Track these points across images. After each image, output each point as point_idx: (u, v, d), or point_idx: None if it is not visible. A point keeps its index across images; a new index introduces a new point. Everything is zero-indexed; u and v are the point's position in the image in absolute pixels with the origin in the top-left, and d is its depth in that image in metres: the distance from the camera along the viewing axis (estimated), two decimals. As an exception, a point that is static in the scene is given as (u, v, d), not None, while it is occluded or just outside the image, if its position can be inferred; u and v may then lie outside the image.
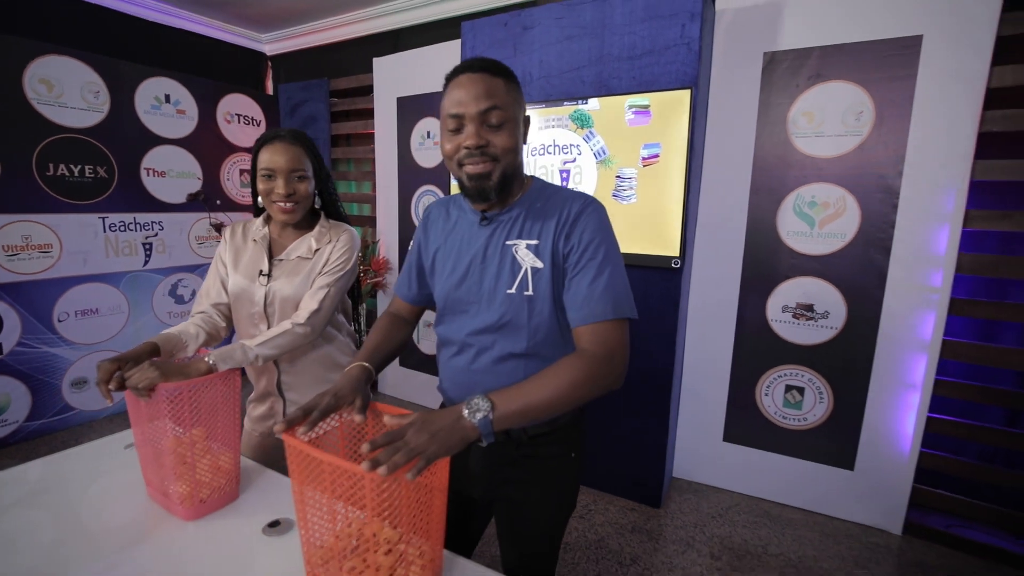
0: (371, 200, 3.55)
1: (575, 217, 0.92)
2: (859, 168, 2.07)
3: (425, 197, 3.21)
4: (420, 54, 3.08)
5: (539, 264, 0.93)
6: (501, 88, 0.91)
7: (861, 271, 2.11)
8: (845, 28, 2.02)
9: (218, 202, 3.56)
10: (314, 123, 3.69)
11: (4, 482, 1.18)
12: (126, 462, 1.30)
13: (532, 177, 1.04)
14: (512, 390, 0.82)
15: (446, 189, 3.09)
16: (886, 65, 1.97)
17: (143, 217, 3.17)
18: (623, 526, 2.21)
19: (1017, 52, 1.83)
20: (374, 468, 0.68)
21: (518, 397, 0.81)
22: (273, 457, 1.41)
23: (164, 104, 3.21)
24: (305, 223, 1.35)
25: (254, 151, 1.28)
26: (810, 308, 2.22)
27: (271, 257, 1.32)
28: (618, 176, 2.12)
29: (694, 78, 2.00)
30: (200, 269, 3.51)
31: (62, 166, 2.79)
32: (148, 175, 3.17)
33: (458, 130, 0.92)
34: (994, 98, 1.85)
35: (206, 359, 1.09)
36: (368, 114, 3.46)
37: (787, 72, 2.15)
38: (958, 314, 2.01)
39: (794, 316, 2.25)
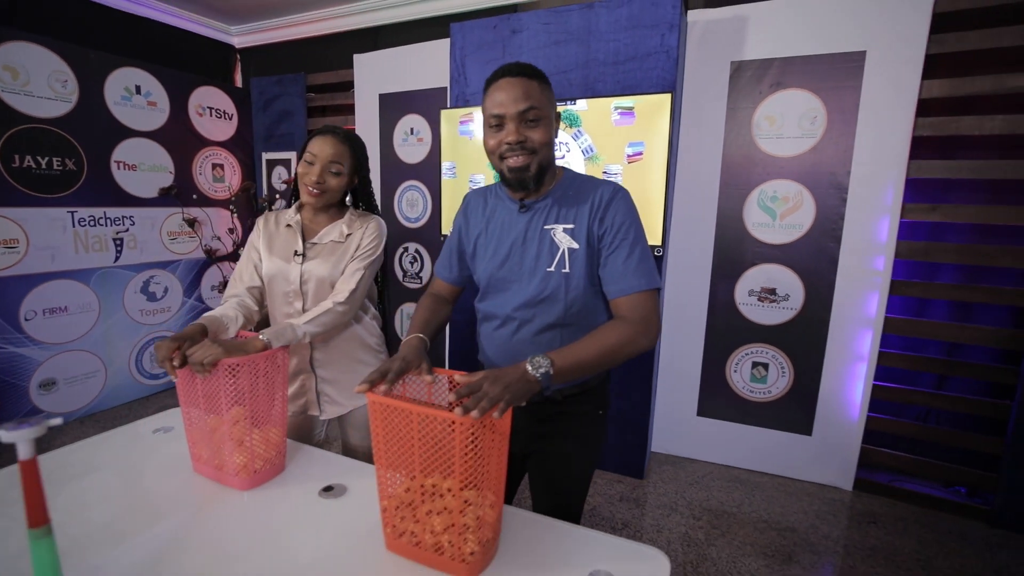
0: (352, 195, 3.57)
1: (607, 203, 1.06)
2: (814, 167, 2.33)
3: (408, 193, 3.28)
4: (402, 52, 3.14)
5: (575, 245, 1.07)
6: (536, 89, 1.04)
7: (816, 258, 2.38)
8: (801, 42, 2.28)
9: (194, 196, 3.48)
10: (289, 118, 3.67)
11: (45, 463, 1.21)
12: (159, 444, 1.34)
13: (563, 168, 1.17)
14: (566, 350, 0.95)
15: (431, 185, 3.17)
16: (836, 76, 2.24)
17: (113, 212, 3.07)
18: (612, 496, 2.38)
19: (942, 68, 2.14)
20: (466, 413, 0.79)
21: (571, 355, 0.94)
22: (306, 434, 1.48)
23: (135, 95, 3.12)
24: (336, 211, 1.43)
25: (307, 139, 1.37)
26: (773, 292, 2.47)
27: (304, 240, 1.39)
28: (604, 172, 2.29)
29: (673, 83, 2.19)
30: (173, 265, 3.42)
31: (28, 158, 2.68)
32: (118, 168, 3.07)
33: (499, 127, 1.04)
34: (924, 107, 2.15)
35: (260, 337, 1.16)
36: (348, 110, 3.48)
37: (751, 80, 2.39)
38: (897, 294, 2.31)
39: (759, 299, 2.50)
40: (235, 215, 3.70)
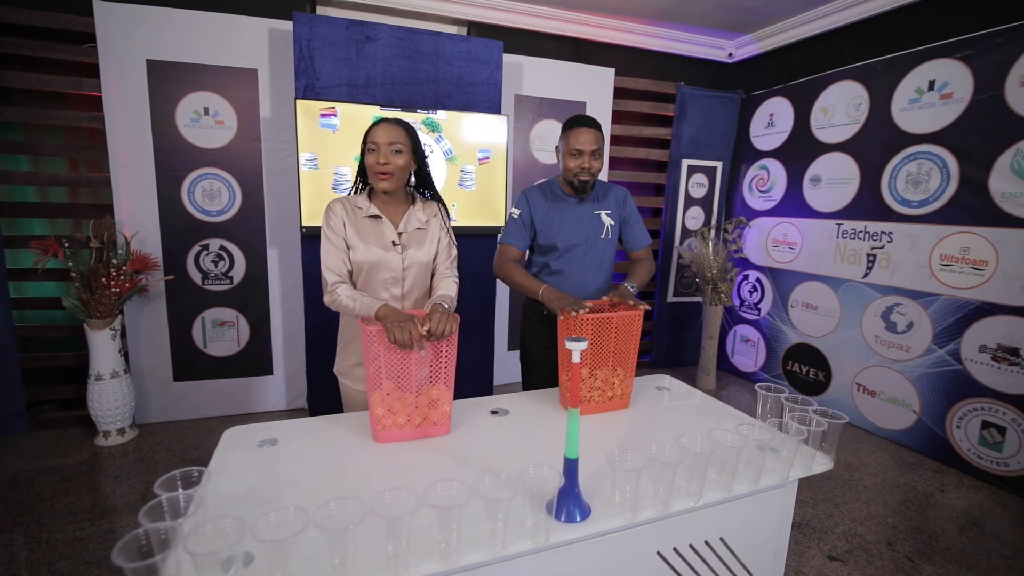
0: (103, 183, 2.73)
1: (623, 198, 1.88)
2: (565, 171, 3.62)
3: (205, 181, 2.85)
4: (182, 16, 2.68)
5: (612, 222, 1.84)
6: (600, 137, 1.73)
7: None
8: (551, 89, 3.49)
9: None
10: (-64, 63, 2.43)
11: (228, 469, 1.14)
12: (281, 452, 1.29)
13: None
14: (635, 277, 1.75)
15: (240, 174, 2.89)
16: (574, 114, 3.56)
17: None
18: (488, 419, 3.13)
19: (618, 119, 3.76)
20: (646, 308, 1.53)
21: (639, 279, 1.76)
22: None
23: None
24: (404, 198, 1.61)
25: (365, 134, 1.50)
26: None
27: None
28: (462, 171, 2.91)
29: (499, 106, 3.01)
30: None
31: None
32: None
33: (579, 156, 1.70)
34: (613, 141, 3.74)
35: (444, 307, 1.42)
36: (83, 69, 2.64)
37: (528, 109, 3.46)
38: (607, 249, 3.92)
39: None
40: None
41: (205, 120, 2.81)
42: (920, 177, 2.74)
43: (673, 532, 1.16)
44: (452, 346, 1.36)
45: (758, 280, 3.79)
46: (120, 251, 2.67)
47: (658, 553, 1.15)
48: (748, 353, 3.91)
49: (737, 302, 3.97)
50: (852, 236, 3.10)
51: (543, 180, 1.94)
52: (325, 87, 2.66)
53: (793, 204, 3.50)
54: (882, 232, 2.94)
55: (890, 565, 1.94)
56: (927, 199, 2.72)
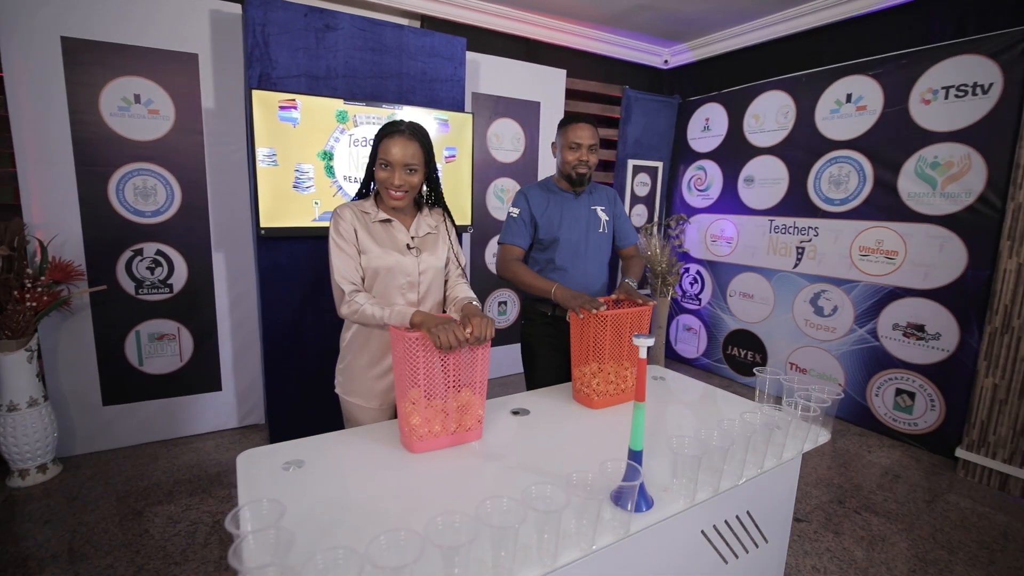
0: (4, 180, 2.32)
1: (613, 197, 1.96)
2: (524, 168, 3.66)
3: (137, 178, 2.53)
4: (103, -10, 2.36)
5: (607, 218, 1.91)
6: (597, 134, 1.81)
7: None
8: (509, 90, 3.51)
9: None
10: None
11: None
12: (310, 474, 1.20)
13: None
14: (632, 273, 1.83)
15: (179, 170, 2.61)
16: (529, 113, 3.60)
17: None
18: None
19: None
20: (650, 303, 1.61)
21: (635, 274, 1.84)
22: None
23: None
24: (413, 205, 1.57)
25: (376, 140, 1.44)
26: (508, 252, 3.72)
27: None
28: (428, 168, 2.85)
29: (463, 104, 2.98)
30: None
31: None
32: None
33: (577, 149, 1.76)
34: (564, 139, 3.84)
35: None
36: (-28, 46, 2.22)
37: (485, 107, 3.44)
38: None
39: (501, 258, 3.70)
40: None
41: (136, 109, 2.49)
42: (841, 179, 3.13)
43: (715, 511, 1.25)
44: (486, 350, 1.35)
45: (698, 272, 4.10)
46: (35, 259, 2.30)
47: (702, 532, 1.23)
48: (690, 340, 4.21)
49: (679, 293, 4.25)
50: (783, 231, 3.45)
51: (537, 181, 1.98)
52: (282, 77, 2.47)
53: (729, 202, 3.82)
54: (809, 227, 3.31)
55: (845, 520, 2.21)
56: (847, 198, 3.11)
